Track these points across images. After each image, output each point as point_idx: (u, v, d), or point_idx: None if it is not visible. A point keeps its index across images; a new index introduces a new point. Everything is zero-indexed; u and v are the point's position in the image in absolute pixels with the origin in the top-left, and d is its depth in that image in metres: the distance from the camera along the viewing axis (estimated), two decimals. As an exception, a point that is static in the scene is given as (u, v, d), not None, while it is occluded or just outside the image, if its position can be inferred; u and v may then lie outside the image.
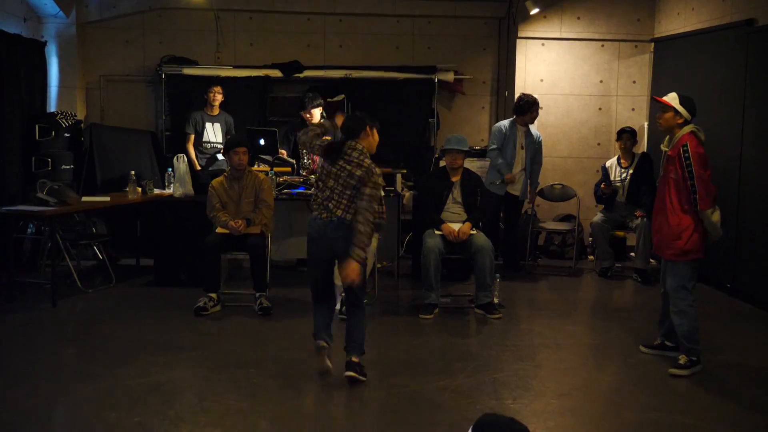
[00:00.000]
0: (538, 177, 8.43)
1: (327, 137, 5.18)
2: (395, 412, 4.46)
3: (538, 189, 8.52)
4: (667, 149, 5.16)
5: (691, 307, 5.13)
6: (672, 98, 5.12)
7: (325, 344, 4.90)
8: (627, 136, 8.17)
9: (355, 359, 4.88)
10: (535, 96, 8.18)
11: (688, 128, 5.09)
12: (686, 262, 5.13)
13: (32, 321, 6.28)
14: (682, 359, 5.14)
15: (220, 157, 8.44)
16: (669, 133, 5.18)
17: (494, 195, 7.87)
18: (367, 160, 4.76)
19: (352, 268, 4.63)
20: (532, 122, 8.22)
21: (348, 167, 4.73)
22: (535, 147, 8.23)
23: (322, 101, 7.78)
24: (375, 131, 4.97)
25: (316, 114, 7.72)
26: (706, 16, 8.06)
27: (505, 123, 8.17)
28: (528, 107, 8.06)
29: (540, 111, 9.33)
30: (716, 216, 5.08)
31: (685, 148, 5.00)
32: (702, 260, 5.21)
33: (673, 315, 5.19)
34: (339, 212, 4.71)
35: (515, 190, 8.15)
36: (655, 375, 5.12)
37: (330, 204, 4.75)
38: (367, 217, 4.64)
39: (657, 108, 5.31)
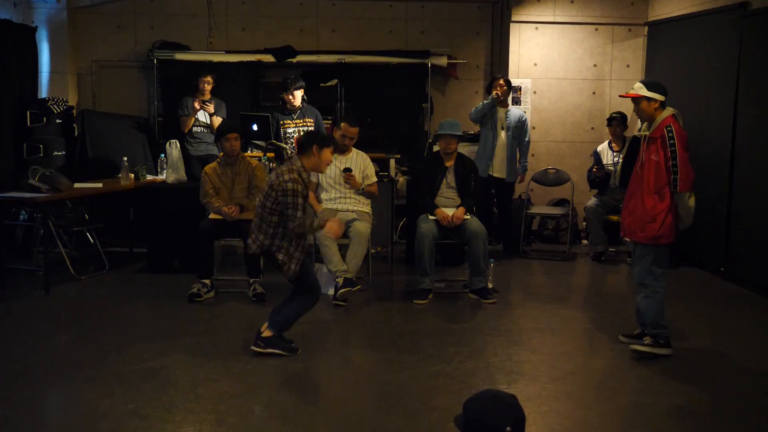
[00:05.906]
0: (527, 158, 8.41)
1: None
2: (390, 397, 4.47)
3: (527, 169, 8.48)
4: (646, 133, 5.15)
5: (657, 293, 5.11)
6: (638, 88, 5.15)
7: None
8: (616, 122, 8.15)
9: (267, 332, 5.07)
10: (529, 80, 8.15)
11: (668, 111, 5.10)
12: (657, 247, 5.10)
13: (25, 308, 6.27)
14: (647, 340, 5.17)
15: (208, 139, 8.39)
16: (650, 120, 5.17)
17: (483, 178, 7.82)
18: (286, 176, 4.83)
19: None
20: (504, 101, 8.12)
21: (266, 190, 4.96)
22: (518, 127, 8.19)
23: (303, 84, 7.81)
24: (325, 150, 5.00)
25: (298, 96, 7.79)
26: (700, -1, 8.04)
27: (484, 102, 8.12)
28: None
29: (533, 95, 9.36)
30: (692, 201, 5.05)
31: (669, 128, 5.00)
32: (672, 245, 5.17)
33: (640, 300, 5.18)
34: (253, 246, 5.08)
35: (501, 172, 8.14)
36: (649, 359, 5.12)
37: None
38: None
39: (632, 103, 5.29)
